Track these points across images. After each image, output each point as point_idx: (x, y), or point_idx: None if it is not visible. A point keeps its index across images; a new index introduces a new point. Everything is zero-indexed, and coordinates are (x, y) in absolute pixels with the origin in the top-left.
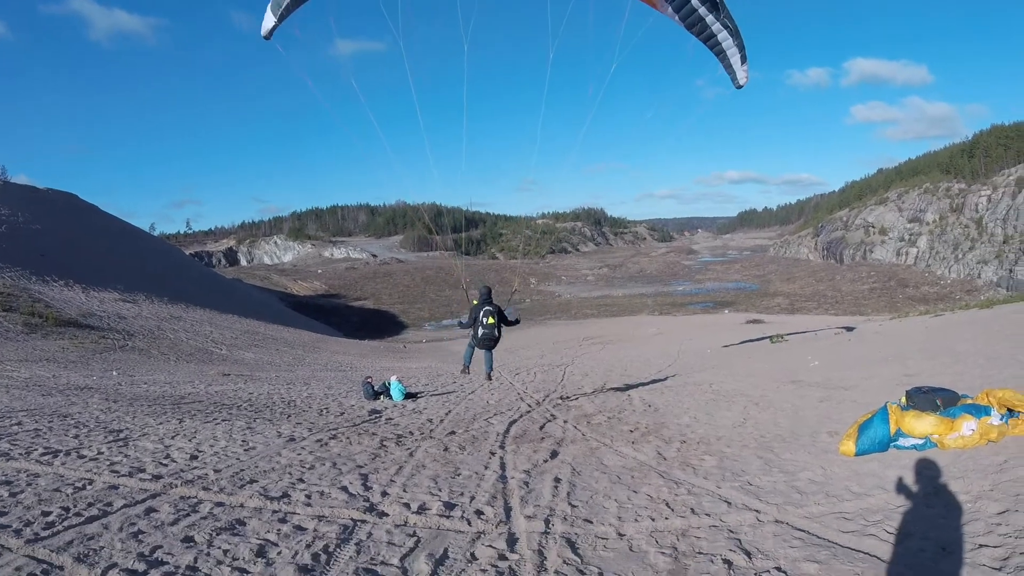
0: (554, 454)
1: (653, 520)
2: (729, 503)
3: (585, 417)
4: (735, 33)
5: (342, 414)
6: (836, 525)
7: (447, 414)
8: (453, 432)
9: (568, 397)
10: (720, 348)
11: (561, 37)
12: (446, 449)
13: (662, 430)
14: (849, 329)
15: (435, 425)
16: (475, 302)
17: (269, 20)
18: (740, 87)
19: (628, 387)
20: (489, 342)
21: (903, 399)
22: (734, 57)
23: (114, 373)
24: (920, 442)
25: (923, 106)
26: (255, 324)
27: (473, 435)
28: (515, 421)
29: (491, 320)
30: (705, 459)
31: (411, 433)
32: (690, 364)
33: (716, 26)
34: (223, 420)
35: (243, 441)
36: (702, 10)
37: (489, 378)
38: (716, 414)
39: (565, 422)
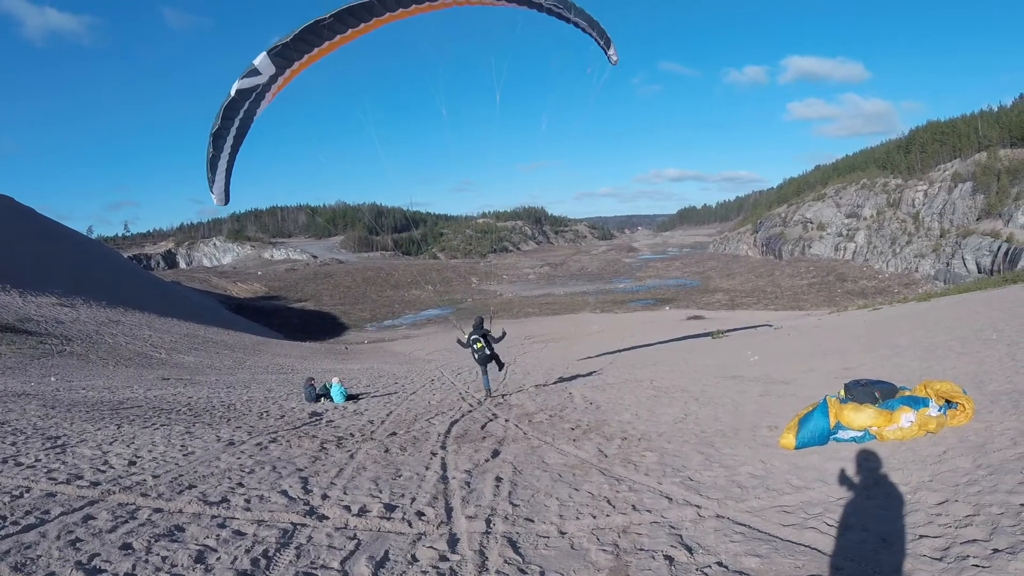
0: (495, 453)
1: (594, 517)
2: (670, 499)
3: (527, 416)
4: (594, 24)
5: (282, 417)
6: (777, 519)
7: (388, 415)
8: (394, 433)
9: (509, 395)
10: (661, 345)
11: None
12: (387, 451)
13: (603, 427)
14: (770, 326)
15: (376, 427)
16: (467, 332)
17: (217, 187)
18: (614, 63)
19: (569, 385)
20: (483, 360)
21: (842, 392)
22: (603, 40)
23: (52, 379)
24: (859, 434)
25: (860, 103)
26: (195, 327)
27: (414, 436)
28: (456, 421)
29: (479, 345)
30: (646, 455)
31: (352, 435)
32: (631, 361)
33: (578, 20)
34: (162, 425)
35: (182, 446)
36: (556, 10)
37: (490, 395)
38: (657, 410)
39: (507, 421)
